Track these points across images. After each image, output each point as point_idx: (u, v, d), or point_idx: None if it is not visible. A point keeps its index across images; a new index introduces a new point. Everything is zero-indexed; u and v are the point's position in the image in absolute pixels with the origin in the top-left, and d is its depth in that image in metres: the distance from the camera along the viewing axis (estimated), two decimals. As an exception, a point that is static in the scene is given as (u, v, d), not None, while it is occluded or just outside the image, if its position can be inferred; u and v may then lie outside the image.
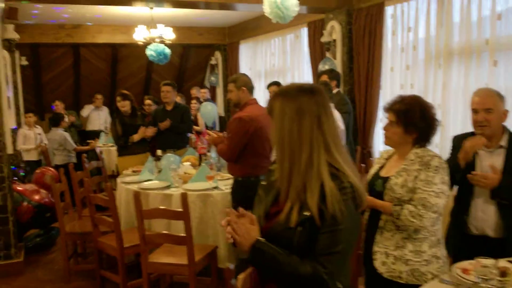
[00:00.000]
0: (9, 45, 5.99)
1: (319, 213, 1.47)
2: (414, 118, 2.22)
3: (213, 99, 9.71)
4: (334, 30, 5.75)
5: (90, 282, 4.23)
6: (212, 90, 10.01)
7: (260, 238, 1.52)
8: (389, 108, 2.30)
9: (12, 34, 5.92)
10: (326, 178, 1.49)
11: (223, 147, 3.69)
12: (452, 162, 2.56)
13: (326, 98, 1.59)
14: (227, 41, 9.28)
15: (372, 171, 2.44)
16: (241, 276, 1.99)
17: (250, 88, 3.76)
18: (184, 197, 3.25)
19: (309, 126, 1.51)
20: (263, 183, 1.75)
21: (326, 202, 1.46)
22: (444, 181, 2.19)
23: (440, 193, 2.16)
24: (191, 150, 5.47)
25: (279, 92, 1.62)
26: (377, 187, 2.31)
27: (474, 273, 1.99)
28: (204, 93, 8.71)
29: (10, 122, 5.43)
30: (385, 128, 2.33)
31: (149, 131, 5.49)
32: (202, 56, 10.25)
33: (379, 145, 5.59)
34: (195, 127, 6.85)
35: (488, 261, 1.95)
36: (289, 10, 3.25)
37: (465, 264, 2.18)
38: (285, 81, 7.45)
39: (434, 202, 2.14)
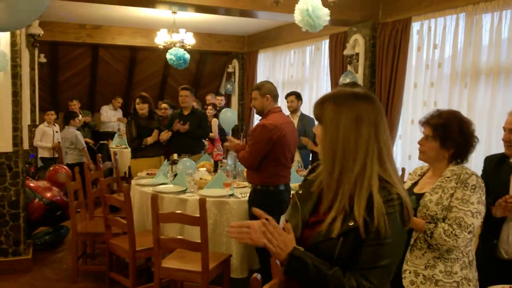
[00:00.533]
0: (33, 41, 5.99)
1: (364, 225, 1.39)
2: (452, 132, 2.15)
3: (228, 106, 9.67)
4: (357, 43, 5.70)
5: (98, 284, 4.16)
6: (227, 97, 9.98)
7: (298, 247, 1.44)
8: (426, 122, 2.23)
9: (37, 30, 5.92)
10: (375, 189, 1.41)
11: (244, 154, 3.63)
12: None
13: (381, 106, 1.52)
14: (246, 49, 9.26)
15: (405, 187, 2.36)
16: (268, 286, 1.92)
17: (275, 96, 3.71)
18: (202, 202, 3.18)
19: (367, 135, 1.43)
20: (300, 192, 1.66)
21: (373, 214, 1.38)
22: (481, 201, 2.11)
23: (476, 213, 2.08)
24: (206, 156, 5.41)
25: (331, 98, 1.51)
26: (412, 204, 2.22)
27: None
28: (221, 100, 8.67)
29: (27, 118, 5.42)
30: (420, 143, 2.25)
31: (164, 135, 5.44)
32: (219, 63, 10.24)
33: (398, 161, 5.49)
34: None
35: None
36: (320, 19, 3.19)
37: (498, 288, 2.09)
38: (303, 92, 7.39)
39: (470, 222, 2.05)
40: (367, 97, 1.50)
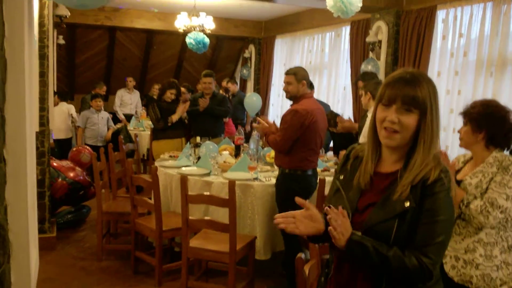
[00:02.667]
0: (60, 22, 6.01)
1: (419, 204, 1.43)
2: (479, 115, 2.22)
3: (243, 91, 9.67)
4: (380, 31, 5.67)
5: (122, 262, 4.24)
6: (243, 83, 9.98)
7: (355, 231, 1.48)
8: (463, 112, 2.29)
9: (64, 11, 5.93)
10: (434, 169, 1.45)
11: (276, 137, 3.65)
12: None
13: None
14: (263, 35, 9.24)
15: None
16: (308, 266, 1.96)
17: (309, 83, 3.72)
18: (231, 185, 3.22)
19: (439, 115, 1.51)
20: (341, 178, 1.67)
21: (426, 192, 1.44)
22: None
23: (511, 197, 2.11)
24: (226, 140, 5.45)
25: (421, 78, 1.50)
26: None
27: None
28: (234, 87, 8.63)
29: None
30: (460, 130, 2.33)
31: (182, 107, 5.48)
32: (235, 48, 10.23)
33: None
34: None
35: None
36: (353, 6, 3.19)
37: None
38: (321, 79, 7.39)
39: (502, 204, 2.11)
40: (428, 78, 1.54)
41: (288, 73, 3.73)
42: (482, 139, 2.24)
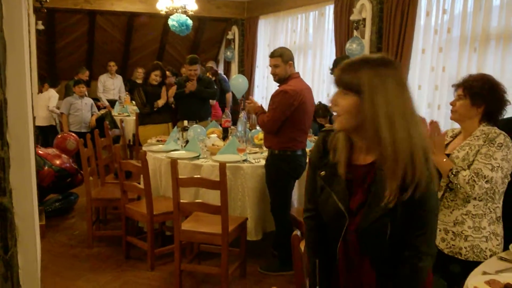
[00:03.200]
0: (40, 6, 5.87)
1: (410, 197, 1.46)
2: (482, 89, 2.21)
3: (227, 73, 9.62)
4: (364, 9, 5.66)
5: (113, 248, 4.23)
6: (227, 64, 9.91)
7: None
8: (457, 84, 2.29)
9: (44, -5, 5.79)
10: (420, 158, 1.45)
11: (264, 118, 3.65)
12: None
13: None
14: (246, 15, 9.15)
15: None
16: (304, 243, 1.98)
17: (293, 61, 3.71)
18: (222, 167, 3.23)
19: (410, 99, 1.47)
20: (323, 174, 1.61)
21: (417, 184, 1.44)
22: (506, 159, 2.17)
23: (497, 168, 2.15)
24: (214, 123, 5.42)
25: (365, 64, 1.47)
26: None
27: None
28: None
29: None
30: (452, 103, 2.32)
31: (171, 91, 5.43)
32: (218, 30, 10.12)
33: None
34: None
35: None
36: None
37: (522, 244, 2.18)
38: (306, 59, 7.38)
39: (487, 174, 2.14)
40: (391, 62, 1.50)
41: (273, 55, 3.66)
42: (479, 113, 2.26)
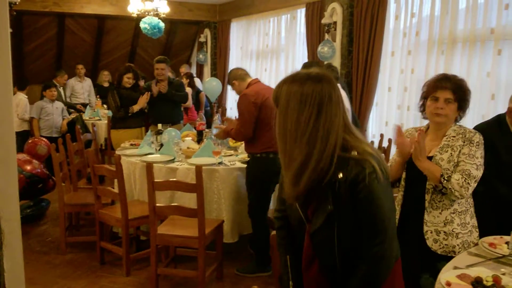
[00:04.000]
0: (10, 8, 5.73)
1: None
2: (467, 94, 2.30)
3: (200, 76, 9.61)
4: (335, 12, 5.76)
5: (87, 254, 4.17)
6: (200, 67, 9.90)
7: None
8: (443, 86, 2.28)
9: (14, -3, 5.66)
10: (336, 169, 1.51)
11: (237, 127, 3.71)
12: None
13: (333, 86, 1.53)
14: (218, 18, 9.17)
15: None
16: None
17: (241, 76, 3.86)
18: (198, 170, 3.23)
19: (308, 116, 1.48)
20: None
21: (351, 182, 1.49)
22: (483, 156, 2.29)
23: (479, 166, 2.26)
24: (188, 126, 5.42)
25: (287, 81, 1.54)
26: None
27: (507, 245, 2.09)
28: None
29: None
30: (442, 106, 2.29)
31: (143, 99, 5.38)
32: (190, 32, 10.10)
33: (373, 128, 5.67)
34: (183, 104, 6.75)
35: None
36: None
37: (490, 239, 2.27)
38: (279, 62, 7.44)
39: (475, 174, 2.23)
40: (316, 78, 1.51)
41: (228, 81, 4.01)
42: (457, 114, 2.34)
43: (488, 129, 2.76)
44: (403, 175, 2.45)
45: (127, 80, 5.34)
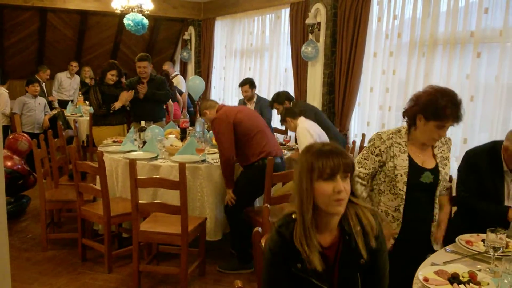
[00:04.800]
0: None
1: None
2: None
3: (183, 74, 9.59)
4: (319, 13, 5.81)
5: (68, 251, 4.15)
6: (183, 65, 9.88)
7: None
8: (453, 115, 2.27)
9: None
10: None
11: (219, 150, 3.80)
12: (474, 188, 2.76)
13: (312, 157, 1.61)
14: (202, 16, 9.15)
15: (401, 161, 2.39)
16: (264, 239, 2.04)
17: (211, 105, 4.01)
18: (182, 167, 3.24)
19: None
20: (299, 266, 1.62)
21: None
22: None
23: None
24: (171, 123, 5.42)
25: None
26: (427, 179, 2.39)
27: (483, 243, 2.16)
28: (172, 70, 8.54)
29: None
30: (443, 134, 2.37)
31: (125, 95, 5.34)
32: (174, 30, 10.06)
33: (355, 128, 5.74)
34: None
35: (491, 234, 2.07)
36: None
37: (467, 236, 2.34)
38: (263, 60, 7.47)
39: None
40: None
41: (200, 114, 4.19)
42: None
43: (481, 154, 2.79)
44: (402, 185, 2.38)
45: (111, 77, 5.29)
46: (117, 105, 5.29)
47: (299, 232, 1.59)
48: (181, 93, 7.63)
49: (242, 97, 6.08)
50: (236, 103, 6.48)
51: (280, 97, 5.19)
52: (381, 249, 1.66)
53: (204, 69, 9.07)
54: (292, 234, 1.61)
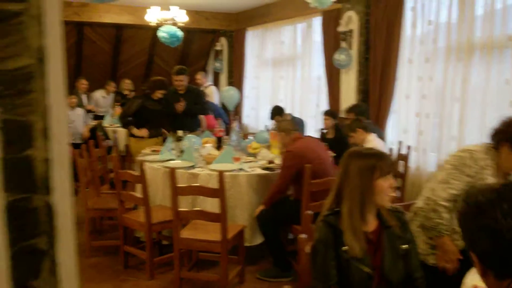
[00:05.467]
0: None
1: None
2: None
3: (216, 84, 9.72)
4: (351, 20, 5.82)
5: (111, 258, 4.26)
6: (216, 75, 10.02)
7: None
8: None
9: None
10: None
11: (276, 181, 3.85)
12: None
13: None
14: (234, 27, 9.28)
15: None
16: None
17: (287, 130, 3.98)
18: (221, 175, 3.30)
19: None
20: (345, 248, 1.88)
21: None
22: None
23: None
24: (207, 133, 5.50)
25: None
26: None
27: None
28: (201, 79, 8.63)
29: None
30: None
31: (181, 106, 5.50)
32: (206, 41, 10.23)
33: (392, 135, 5.69)
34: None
35: None
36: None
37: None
38: (295, 69, 7.50)
39: None
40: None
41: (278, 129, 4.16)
42: None
43: None
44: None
45: (159, 95, 5.44)
46: (135, 132, 5.48)
47: (347, 222, 1.86)
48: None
49: (322, 127, 5.82)
50: (268, 110, 6.48)
51: (359, 108, 5.22)
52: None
53: (236, 79, 9.17)
54: (337, 222, 1.89)
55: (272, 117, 6.09)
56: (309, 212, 2.32)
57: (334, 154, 4.54)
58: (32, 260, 0.96)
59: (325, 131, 5.60)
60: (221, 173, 3.31)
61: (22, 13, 0.90)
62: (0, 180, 0.89)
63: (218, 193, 3.31)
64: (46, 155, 0.96)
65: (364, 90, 5.85)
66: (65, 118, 1.02)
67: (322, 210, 1.99)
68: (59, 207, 0.98)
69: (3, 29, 0.91)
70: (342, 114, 5.68)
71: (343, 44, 5.95)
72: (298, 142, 3.90)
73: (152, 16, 6.83)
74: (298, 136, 4.00)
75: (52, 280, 1.03)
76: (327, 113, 5.56)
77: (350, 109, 5.22)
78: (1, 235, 0.89)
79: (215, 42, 9.89)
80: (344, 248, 1.85)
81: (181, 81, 5.60)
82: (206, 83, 8.67)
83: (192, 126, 5.71)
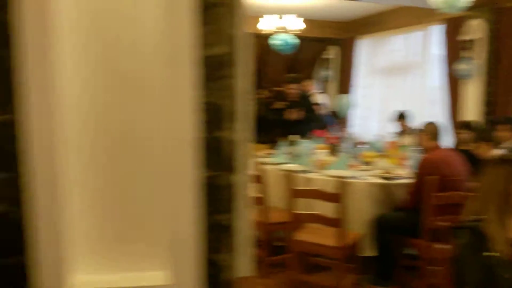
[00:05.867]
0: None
1: None
2: None
3: (324, 92, 9.69)
4: (476, 28, 5.51)
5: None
6: (324, 84, 10.00)
7: None
8: None
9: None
10: None
11: (408, 193, 3.79)
12: None
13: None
14: (343, 36, 9.22)
15: None
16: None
17: (431, 134, 3.88)
18: (340, 181, 3.29)
19: None
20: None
21: None
22: None
23: None
24: (319, 139, 5.50)
25: None
26: None
27: None
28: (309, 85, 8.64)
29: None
30: None
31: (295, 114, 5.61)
32: (315, 49, 10.24)
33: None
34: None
35: None
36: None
37: None
38: (408, 79, 7.27)
39: None
40: None
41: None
42: None
43: None
44: None
45: (279, 105, 5.66)
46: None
47: (493, 228, 1.81)
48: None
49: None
50: (378, 119, 6.33)
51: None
52: None
53: (345, 87, 9.08)
54: (481, 228, 1.84)
55: (398, 119, 5.91)
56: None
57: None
58: (217, 235, 1.04)
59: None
60: (340, 179, 3.30)
61: (220, 3, 0.99)
62: (200, 157, 0.97)
63: (337, 197, 3.30)
64: (232, 136, 1.04)
65: (491, 101, 5.48)
66: (249, 104, 1.11)
67: (461, 216, 1.98)
68: (239, 186, 1.06)
69: (205, 18, 1.00)
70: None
71: (466, 53, 5.64)
72: (437, 151, 3.78)
73: (266, 24, 7.01)
74: (437, 146, 3.87)
75: (231, 256, 1.11)
76: (463, 126, 5.06)
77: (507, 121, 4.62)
78: (196, 209, 0.97)
79: (324, 50, 9.88)
80: (489, 253, 1.80)
81: (293, 89, 5.72)
82: (313, 90, 8.67)
83: (303, 131, 5.76)
